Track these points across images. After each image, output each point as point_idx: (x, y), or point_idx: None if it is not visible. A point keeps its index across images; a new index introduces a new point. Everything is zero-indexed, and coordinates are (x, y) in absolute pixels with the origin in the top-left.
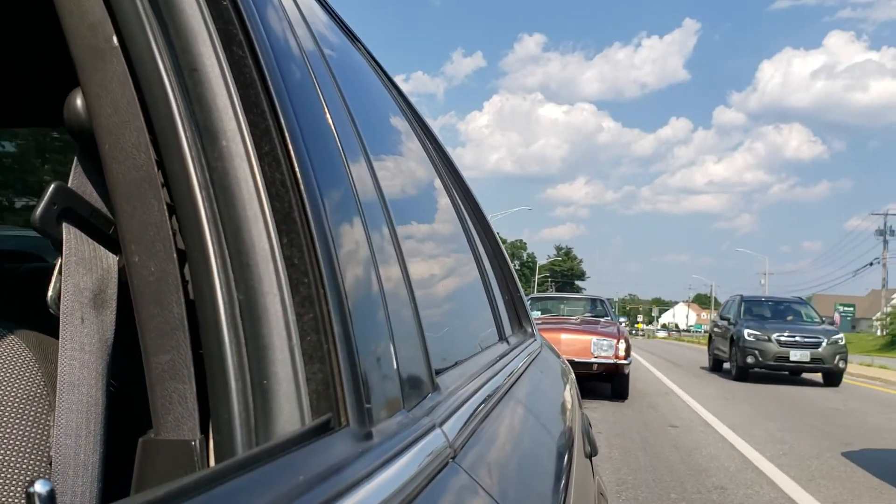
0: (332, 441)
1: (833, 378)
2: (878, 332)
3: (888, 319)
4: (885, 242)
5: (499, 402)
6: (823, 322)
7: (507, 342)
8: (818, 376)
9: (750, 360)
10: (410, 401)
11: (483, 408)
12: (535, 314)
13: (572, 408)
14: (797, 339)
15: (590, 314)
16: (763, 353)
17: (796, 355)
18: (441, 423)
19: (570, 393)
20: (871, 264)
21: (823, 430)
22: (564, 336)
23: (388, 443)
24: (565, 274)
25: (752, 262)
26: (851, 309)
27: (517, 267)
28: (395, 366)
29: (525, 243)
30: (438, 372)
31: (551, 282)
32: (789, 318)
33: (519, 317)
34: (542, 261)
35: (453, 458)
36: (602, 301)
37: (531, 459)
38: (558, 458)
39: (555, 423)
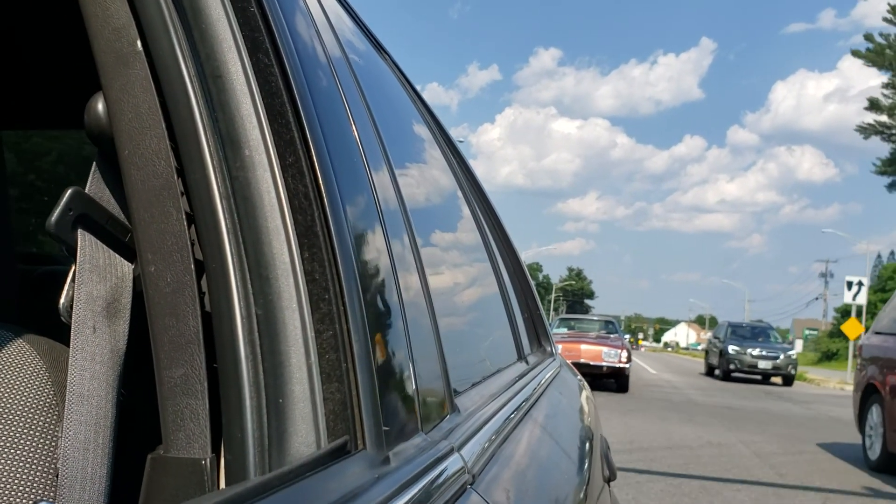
0: (348, 465)
1: (787, 380)
2: None
3: (817, 342)
4: (826, 283)
5: (517, 424)
6: (783, 342)
7: (527, 362)
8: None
9: (732, 367)
10: (428, 423)
11: (502, 431)
12: (563, 330)
13: (592, 430)
14: (763, 353)
15: (603, 331)
16: (741, 362)
17: (762, 364)
18: (459, 447)
19: (589, 415)
20: (817, 299)
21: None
22: (584, 346)
23: (405, 468)
24: (576, 294)
25: (754, 283)
26: (816, 332)
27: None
28: (414, 386)
29: (541, 265)
30: (457, 392)
31: (563, 300)
32: (760, 338)
33: (538, 335)
34: (553, 277)
35: (471, 483)
36: (612, 322)
37: (549, 485)
38: (577, 484)
39: (574, 446)
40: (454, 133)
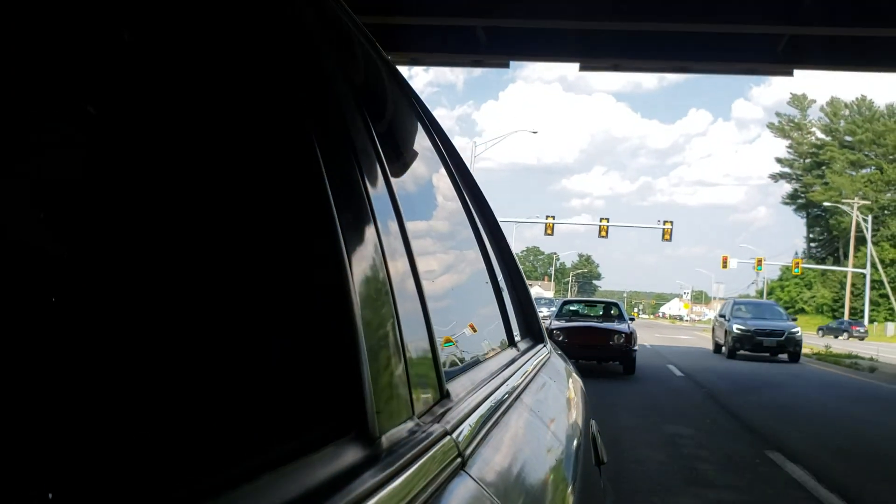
0: (339, 449)
1: (793, 356)
2: None
3: None
4: (758, 272)
5: (508, 409)
6: (787, 319)
7: (517, 347)
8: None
9: (737, 345)
10: (420, 407)
11: (493, 415)
12: (570, 315)
13: (582, 415)
14: (768, 330)
15: (610, 314)
16: (746, 340)
17: (767, 342)
18: (451, 431)
19: (579, 399)
20: (753, 283)
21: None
22: (593, 331)
23: (397, 452)
24: (585, 276)
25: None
26: None
27: (551, 273)
28: (405, 371)
29: (557, 255)
30: (448, 378)
31: (575, 282)
32: (766, 315)
33: (528, 322)
34: (567, 262)
35: (463, 466)
36: (618, 305)
37: (540, 468)
38: (567, 467)
39: (564, 430)
40: (459, 112)
